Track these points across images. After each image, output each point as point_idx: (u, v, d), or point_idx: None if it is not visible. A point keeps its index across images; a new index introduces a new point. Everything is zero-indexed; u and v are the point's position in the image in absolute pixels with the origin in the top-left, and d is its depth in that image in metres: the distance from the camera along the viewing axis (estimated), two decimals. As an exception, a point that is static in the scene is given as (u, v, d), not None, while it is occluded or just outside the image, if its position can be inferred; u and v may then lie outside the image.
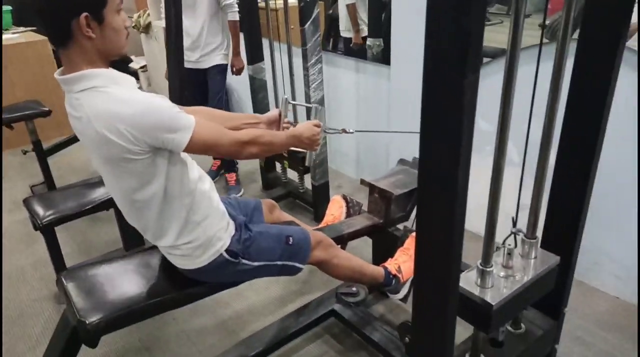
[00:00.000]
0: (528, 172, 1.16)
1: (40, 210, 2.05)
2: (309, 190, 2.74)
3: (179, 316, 2.03)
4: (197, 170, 1.37)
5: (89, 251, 2.52)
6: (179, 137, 1.18)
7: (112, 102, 1.13)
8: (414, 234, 1.84)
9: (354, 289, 1.83)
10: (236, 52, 2.96)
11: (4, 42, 3.85)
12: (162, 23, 4.00)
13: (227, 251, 1.38)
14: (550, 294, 1.26)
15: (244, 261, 1.41)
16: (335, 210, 2.10)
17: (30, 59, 3.87)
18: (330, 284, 2.03)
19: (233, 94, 4.09)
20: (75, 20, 1.09)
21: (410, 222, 1.98)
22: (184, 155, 1.31)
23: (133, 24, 4.38)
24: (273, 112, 1.69)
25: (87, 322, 1.24)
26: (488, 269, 1.09)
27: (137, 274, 1.45)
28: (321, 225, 2.06)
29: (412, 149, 2.39)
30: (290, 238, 1.49)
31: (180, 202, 1.29)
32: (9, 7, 4.42)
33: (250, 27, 2.70)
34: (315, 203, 2.68)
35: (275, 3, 2.61)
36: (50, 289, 2.25)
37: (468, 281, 1.11)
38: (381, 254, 1.99)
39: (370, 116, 2.89)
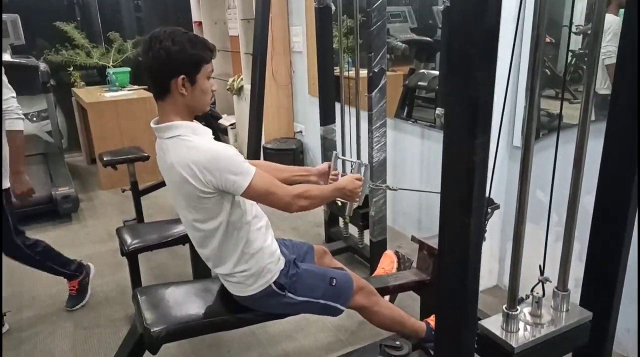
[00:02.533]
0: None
1: (128, 238, 2.36)
2: (367, 245, 2.86)
3: (234, 348, 2.18)
4: (254, 211, 1.58)
5: (164, 279, 2.79)
6: (239, 180, 1.39)
7: (191, 149, 1.38)
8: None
9: (398, 342, 1.89)
10: (16, 171, 2.25)
11: (118, 98, 4.52)
12: (252, 87, 4.48)
13: (275, 282, 1.54)
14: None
15: (289, 294, 1.56)
16: (387, 264, 2.20)
17: (137, 112, 4.48)
18: (377, 337, 2.10)
19: (308, 153, 4.39)
20: (175, 80, 1.39)
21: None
22: (245, 199, 1.52)
23: (228, 87, 4.93)
24: (323, 165, 1.90)
25: (152, 330, 1.45)
26: (513, 313, 1.14)
27: (199, 297, 1.65)
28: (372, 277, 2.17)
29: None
30: (334, 280, 1.62)
31: (238, 236, 1.50)
32: (128, 69, 5.18)
33: (325, 92, 2.98)
34: (372, 258, 2.78)
35: (349, 72, 2.90)
36: (127, 311, 2.52)
37: (492, 323, 1.16)
38: (427, 311, 2.04)
39: (433, 180, 3.00)
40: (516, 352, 1.11)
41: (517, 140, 2.34)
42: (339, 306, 1.63)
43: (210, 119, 2.95)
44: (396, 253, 2.23)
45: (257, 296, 1.54)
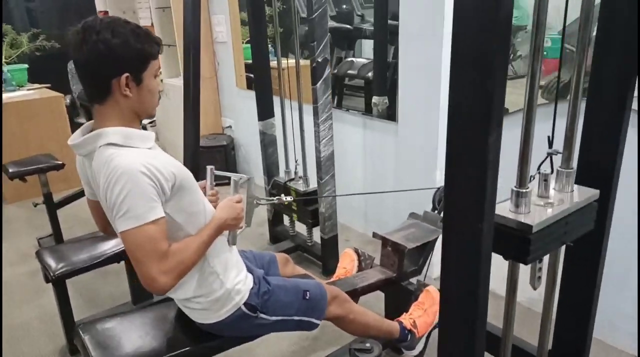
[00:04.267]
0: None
1: (52, 262, 2.05)
2: (317, 243, 2.75)
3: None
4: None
5: (97, 304, 2.49)
6: (121, 218, 1.13)
7: (106, 161, 1.15)
8: (428, 288, 1.85)
9: (368, 344, 1.80)
10: None
11: (19, 99, 3.98)
12: (175, 81, 4.16)
13: (245, 304, 1.38)
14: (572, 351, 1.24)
15: (261, 315, 1.41)
16: (347, 263, 2.10)
17: (43, 114, 3.98)
18: (342, 340, 2.00)
19: (240, 150, 4.17)
20: (117, 79, 1.16)
21: (423, 276, 1.98)
22: (201, 204, 1.32)
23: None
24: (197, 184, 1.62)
25: (105, 378, 1.23)
26: (524, 191, 1.03)
27: (154, 327, 1.44)
28: (333, 278, 2.06)
29: (422, 202, 2.45)
30: (307, 293, 1.49)
31: None
32: (25, 65, 4.59)
33: (262, 85, 2.81)
34: (323, 256, 2.68)
35: (288, 62, 2.74)
36: (57, 343, 2.21)
37: (502, 209, 1.05)
38: (394, 309, 1.98)
39: (377, 171, 2.95)
40: (534, 232, 0.99)
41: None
42: (314, 320, 1.50)
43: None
44: (356, 251, 2.14)
45: (225, 321, 1.36)
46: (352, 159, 3.08)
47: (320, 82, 2.34)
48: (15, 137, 3.83)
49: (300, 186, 2.69)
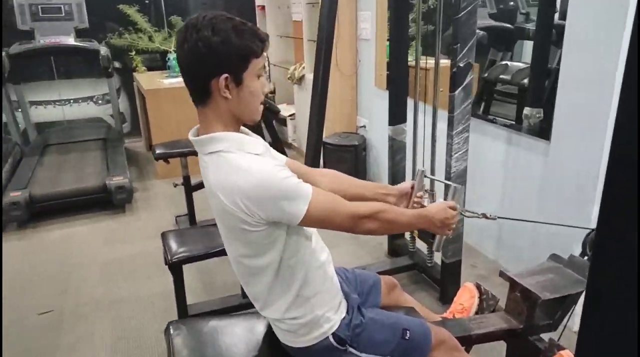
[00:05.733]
0: None
1: (173, 246, 2.14)
2: (438, 265, 2.49)
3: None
4: (314, 243, 1.26)
5: (210, 291, 2.58)
6: (295, 207, 1.10)
7: (232, 172, 1.09)
8: (562, 352, 1.51)
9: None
10: None
11: (171, 86, 4.35)
12: (314, 77, 4.17)
13: (333, 335, 1.23)
14: None
15: (351, 349, 1.25)
16: (466, 300, 1.84)
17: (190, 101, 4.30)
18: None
19: (372, 151, 4.04)
20: (215, 80, 1.09)
21: (557, 334, 1.63)
22: (304, 230, 1.22)
23: (288, 76, 4.65)
24: (405, 184, 1.54)
25: (181, 386, 1.19)
26: None
27: (241, 339, 1.37)
28: (446, 314, 1.82)
29: (568, 241, 2.04)
30: (408, 332, 1.29)
31: (293, 276, 1.20)
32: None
33: (397, 86, 2.62)
34: (443, 282, 2.42)
35: (426, 62, 2.51)
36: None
37: None
38: (516, 364, 1.67)
39: (518, 194, 2.57)
40: None
41: None
42: (412, 365, 1.30)
43: (267, 114, 2.66)
44: (477, 287, 1.87)
45: (311, 349, 1.24)
46: (490, 177, 2.73)
47: (459, 89, 2.08)
48: (171, 120, 4.19)
49: (425, 201, 2.44)
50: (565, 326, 1.67)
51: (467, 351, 1.77)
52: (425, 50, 2.50)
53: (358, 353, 1.26)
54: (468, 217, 1.53)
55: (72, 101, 5.30)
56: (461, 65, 2.05)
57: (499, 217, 1.51)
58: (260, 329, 1.40)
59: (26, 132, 4.91)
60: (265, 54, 1.14)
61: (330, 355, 1.25)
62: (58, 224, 3.48)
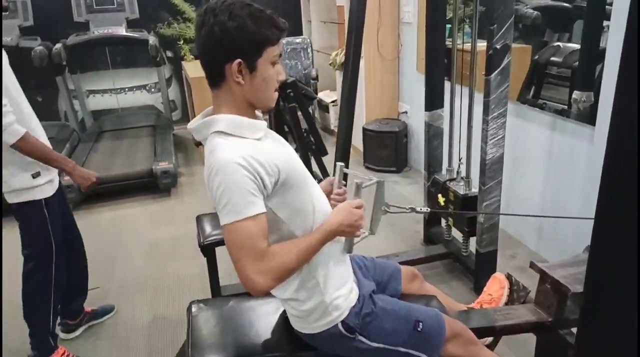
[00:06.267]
0: None
1: (207, 229, 2.20)
2: (473, 255, 2.42)
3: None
4: (324, 218, 1.23)
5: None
6: (221, 213, 1.08)
7: (210, 152, 1.11)
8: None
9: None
10: (65, 171, 1.93)
11: (198, 75, 4.37)
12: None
13: (342, 322, 1.23)
14: None
15: (360, 338, 1.24)
16: (495, 290, 1.78)
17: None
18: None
19: (413, 137, 3.95)
20: (229, 65, 1.10)
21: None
22: (310, 203, 1.21)
23: (330, 61, 4.62)
24: (324, 182, 1.43)
25: (195, 362, 1.23)
26: None
27: (258, 322, 1.40)
28: (474, 304, 1.77)
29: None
30: (421, 324, 1.27)
31: None
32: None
33: (433, 69, 2.53)
34: (477, 272, 2.35)
35: (463, 43, 2.41)
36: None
37: None
38: (545, 358, 1.61)
39: (561, 183, 2.43)
40: None
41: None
42: (424, 356, 1.28)
43: (302, 100, 2.66)
44: (508, 277, 1.80)
45: (321, 336, 1.24)
46: (533, 164, 2.61)
47: (495, 72, 1.99)
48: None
49: (460, 189, 2.38)
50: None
51: (495, 342, 1.72)
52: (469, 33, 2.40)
53: (368, 342, 1.25)
54: (394, 212, 1.42)
55: (126, 89, 5.53)
56: (497, 47, 1.95)
57: (432, 211, 1.40)
58: (278, 313, 1.42)
59: (83, 120, 5.18)
60: (281, 42, 1.14)
61: (339, 342, 1.25)
62: (109, 206, 3.68)
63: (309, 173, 1.25)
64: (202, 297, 2.36)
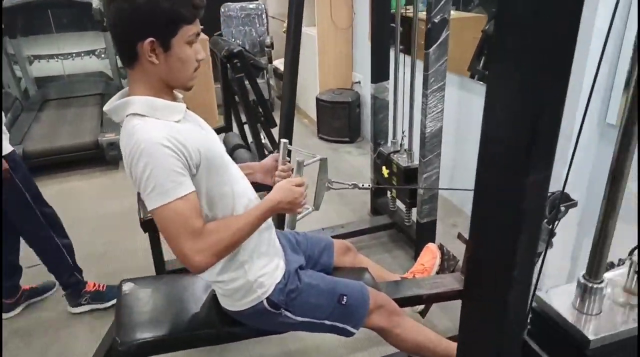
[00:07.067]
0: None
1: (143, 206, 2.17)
2: (415, 225, 2.49)
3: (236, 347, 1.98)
4: (247, 201, 1.25)
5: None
6: (147, 201, 1.07)
7: (128, 135, 1.08)
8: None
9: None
10: None
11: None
12: (309, 30, 4.05)
13: (267, 299, 1.26)
14: None
15: (286, 313, 1.28)
16: (427, 260, 1.85)
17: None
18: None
19: (365, 108, 3.97)
20: (141, 43, 1.06)
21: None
22: (229, 185, 1.21)
23: (284, 29, 4.52)
24: (268, 159, 1.44)
25: (120, 341, 1.24)
26: (595, 286, 0.76)
27: (189, 300, 1.41)
28: (407, 274, 1.83)
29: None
30: (345, 297, 1.31)
31: None
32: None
33: (378, 40, 2.52)
34: (418, 241, 2.42)
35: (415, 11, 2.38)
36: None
37: (558, 297, 0.79)
38: (470, 325, 1.69)
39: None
40: (592, 348, 0.72)
41: (613, 117, 1.80)
42: (349, 327, 1.33)
43: (250, 70, 2.61)
44: (440, 248, 1.87)
45: (247, 312, 1.27)
46: (476, 136, 2.67)
47: (434, 46, 2.00)
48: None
49: (402, 161, 2.42)
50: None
51: (427, 309, 1.80)
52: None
53: (294, 317, 1.29)
54: (337, 188, 1.47)
55: (73, 55, 5.27)
56: (436, 21, 1.96)
57: (379, 186, 1.46)
58: (209, 290, 1.43)
59: (27, 88, 4.94)
60: (198, 20, 1.10)
61: (266, 318, 1.29)
62: (54, 179, 3.56)
63: (229, 156, 1.25)
64: (148, 273, 2.39)
